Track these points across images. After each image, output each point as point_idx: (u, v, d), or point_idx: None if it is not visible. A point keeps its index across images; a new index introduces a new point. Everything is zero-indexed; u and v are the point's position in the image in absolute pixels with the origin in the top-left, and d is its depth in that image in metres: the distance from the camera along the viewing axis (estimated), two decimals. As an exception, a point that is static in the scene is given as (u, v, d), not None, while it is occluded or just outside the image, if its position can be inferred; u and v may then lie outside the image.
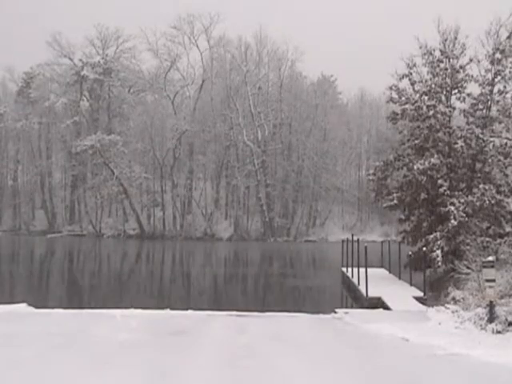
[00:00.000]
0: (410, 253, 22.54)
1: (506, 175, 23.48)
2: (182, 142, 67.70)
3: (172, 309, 16.35)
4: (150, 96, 74.39)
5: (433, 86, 23.95)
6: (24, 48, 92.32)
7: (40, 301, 19.44)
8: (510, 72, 23.28)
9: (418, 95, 24.16)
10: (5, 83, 79.57)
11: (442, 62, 24.09)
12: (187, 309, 16.47)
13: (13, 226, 72.42)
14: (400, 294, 19.58)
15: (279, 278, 30.22)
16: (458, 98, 24.30)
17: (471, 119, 23.92)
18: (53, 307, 16.67)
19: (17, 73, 76.08)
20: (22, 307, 16.30)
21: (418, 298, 18.71)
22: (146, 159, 69.36)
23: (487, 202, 21.65)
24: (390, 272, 26.27)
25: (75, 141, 67.09)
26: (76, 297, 24.17)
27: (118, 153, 65.42)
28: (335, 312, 16.46)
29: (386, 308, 17.37)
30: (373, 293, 19.09)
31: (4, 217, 74.49)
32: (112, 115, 71.42)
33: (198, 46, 71.08)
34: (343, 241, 29.28)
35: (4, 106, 74.00)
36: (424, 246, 21.72)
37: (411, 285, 21.60)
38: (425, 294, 19.23)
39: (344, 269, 27.27)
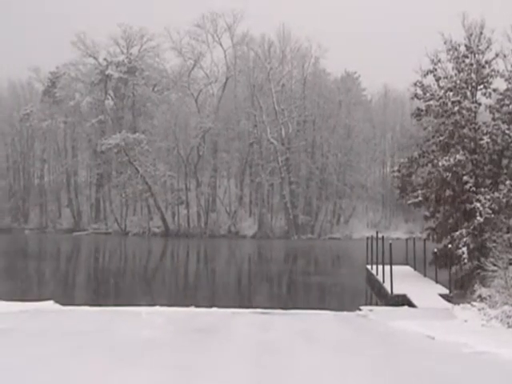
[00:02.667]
0: (436, 250, 22.33)
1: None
2: (205, 140, 67.88)
3: (197, 306, 16.42)
4: (174, 94, 74.58)
5: (458, 81, 23.63)
6: (49, 48, 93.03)
7: (67, 298, 19.70)
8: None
9: (442, 91, 23.84)
10: (31, 83, 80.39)
11: (467, 57, 23.76)
12: (212, 306, 16.50)
13: (39, 224, 73.36)
14: (425, 291, 19.45)
15: (304, 276, 30.21)
16: (484, 94, 23.93)
17: (497, 115, 23.53)
18: (79, 304, 16.87)
19: (43, 73, 76.91)
20: (49, 304, 16.50)
21: (443, 296, 18.57)
22: (171, 157, 69.72)
23: (514, 198, 21.35)
24: (415, 269, 26.09)
25: (100, 139, 67.87)
26: (102, 294, 24.37)
27: (143, 151, 65.89)
28: (360, 309, 16.43)
29: (411, 305, 17.26)
30: (398, 290, 18.98)
31: (31, 215, 75.58)
32: (136, 114, 71.91)
33: (221, 44, 71.35)
34: (368, 238, 29.08)
35: (30, 105, 74.89)
36: (449, 243, 21.51)
37: (437, 282, 21.44)
38: (450, 292, 19.08)
39: (369, 266, 27.15)
